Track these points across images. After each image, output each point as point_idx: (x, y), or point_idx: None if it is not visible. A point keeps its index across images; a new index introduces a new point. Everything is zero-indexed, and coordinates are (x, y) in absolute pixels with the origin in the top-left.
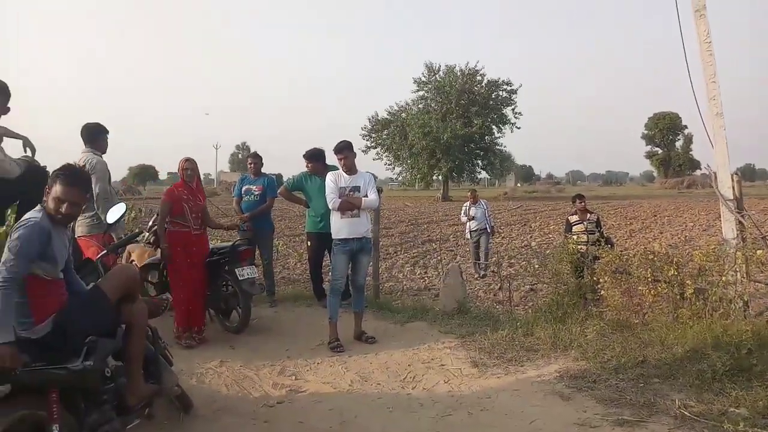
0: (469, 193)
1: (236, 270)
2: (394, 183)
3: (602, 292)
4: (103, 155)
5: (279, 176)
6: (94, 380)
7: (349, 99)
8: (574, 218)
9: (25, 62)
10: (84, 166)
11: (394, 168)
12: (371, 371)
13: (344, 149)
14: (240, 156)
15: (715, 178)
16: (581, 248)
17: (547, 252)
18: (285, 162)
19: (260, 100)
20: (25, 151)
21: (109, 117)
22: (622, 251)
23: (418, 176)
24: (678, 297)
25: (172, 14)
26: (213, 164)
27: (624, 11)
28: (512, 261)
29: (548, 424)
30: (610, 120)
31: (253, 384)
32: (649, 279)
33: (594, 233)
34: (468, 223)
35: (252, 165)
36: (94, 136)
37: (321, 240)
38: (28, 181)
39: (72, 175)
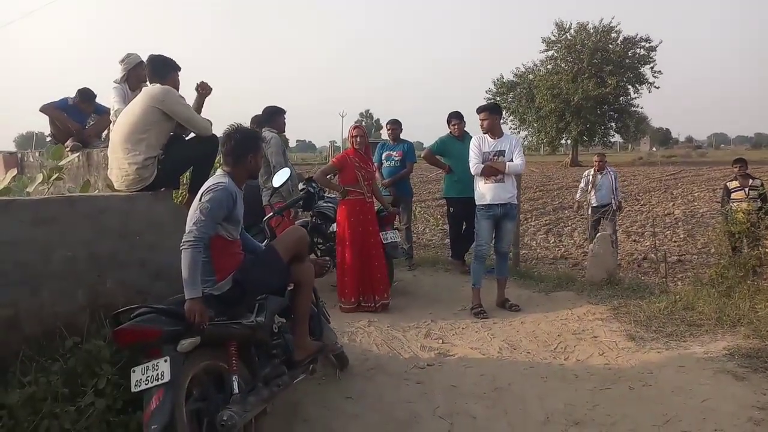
0: (596, 158)
1: (380, 234)
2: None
3: None
4: (280, 132)
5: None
6: (264, 335)
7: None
8: (733, 184)
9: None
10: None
11: (519, 132)
12: (519, 339)
13: (486, 110)
14: (363, 123)
15: None
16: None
17: (701, 219)
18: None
19: (379, 68)
20: None
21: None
22: None
23: (545, 140)
24: None
25: None
26: (339, 132)
27: None
28: (655, 230)
29: (722, 405)
30: (760, 77)
31: (402, 345)
32: None
33: (757, 200)
34: (589, 196)
35: (391, 131)
36: (272, 116)
37: (462, 205)
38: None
39: None
